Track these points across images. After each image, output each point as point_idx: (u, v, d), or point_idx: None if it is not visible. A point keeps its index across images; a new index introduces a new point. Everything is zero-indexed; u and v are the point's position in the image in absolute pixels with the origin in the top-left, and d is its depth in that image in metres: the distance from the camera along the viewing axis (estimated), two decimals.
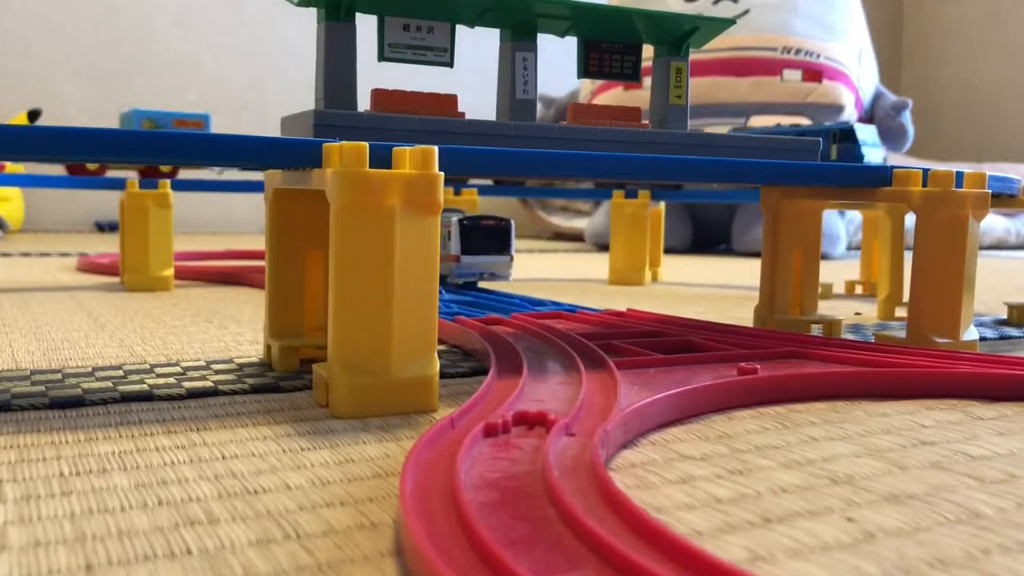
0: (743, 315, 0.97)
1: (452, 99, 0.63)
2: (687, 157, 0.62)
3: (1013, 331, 0.86)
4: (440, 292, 0.92)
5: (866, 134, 1.13)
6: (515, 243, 0.79)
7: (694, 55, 0.71)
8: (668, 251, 2.32)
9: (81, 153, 0.48)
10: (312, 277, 0.61)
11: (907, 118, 2.60)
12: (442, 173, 0.49)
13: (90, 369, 0.60)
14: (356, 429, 0.46)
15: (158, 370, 0.59)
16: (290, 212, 0.61)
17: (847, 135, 1.12)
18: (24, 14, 2.97)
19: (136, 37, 3.12)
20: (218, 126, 1.57)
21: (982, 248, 2.77)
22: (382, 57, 0.61)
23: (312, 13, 2.65)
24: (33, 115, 2.44)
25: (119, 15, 3.09)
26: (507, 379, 0.51)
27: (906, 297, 1.00)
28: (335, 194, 0.48)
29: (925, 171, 0.67)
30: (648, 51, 0.71)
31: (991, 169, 2.66)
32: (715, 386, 0.52)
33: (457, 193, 1.39)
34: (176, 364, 0.62)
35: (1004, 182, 0.76)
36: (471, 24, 0.64)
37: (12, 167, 2.14)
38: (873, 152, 1.13)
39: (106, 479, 0.38)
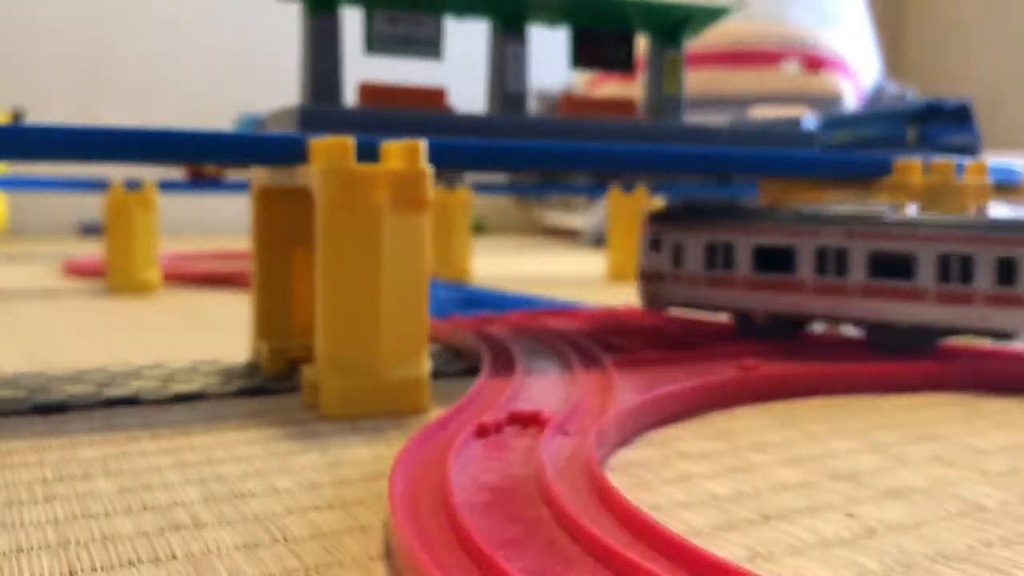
0: None
1: (440, 92, 0.62)
2: (682, 148, 0.61)
3: None
4: (433, 290, 0.91)
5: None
6: None
7: (691, 46, 0.70)
8: None
9: (66, 153, 0.47)
10: (299, 277, 0.60)
11: None
12: (431, 168, 0.49)
13: (75, 373, 0.59)
14: (345, 431, 0.45)
15: (144, 373, 0.58)
16: (276, 210, 0.60)
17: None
18: (7, 13, 2.95)
19: (122, 36, 3.11)
20: (205, 124, 1.56)
21: None
22: (369, 50, 0.60)
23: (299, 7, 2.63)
24: (16, 115, 2.41)
25: (105, 14, 3.08)
26: (500, 378, 0.50)
27: None
28: (320, 191, 0.47)
29: (926, 161, 0.66)
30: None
31: (995, 158, 2.65)
32: (714, 383, 0.51)
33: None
34: (162, 367, 0.61)
35: (1006, 172, 0.75)
36: (458, 15, 0.63)
37: None
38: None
39: (90, 484, 0.37)
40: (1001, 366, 0.55)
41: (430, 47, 0.61)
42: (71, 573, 0.28)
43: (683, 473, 0.38)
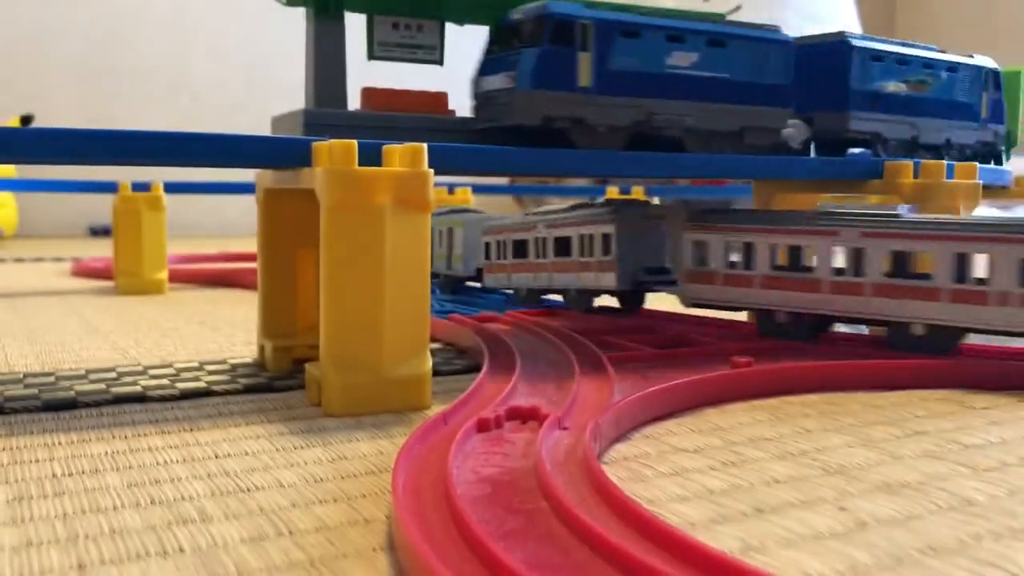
0: None
1: (443, 97, 0.63)
2: (678, 152, 0.62)
3: None
4: (433, 290, 0.92)
5: None
6: None
7: None
8: None
9: (74, 155, 0.48)
10: (304, 277, 0.61)
11: None
12: (432, 171, 0.49)
13: (83, 371, 0.59)
14: (349, 427, 0.46)
15: (151, 372, 0.59)
16: (281, 212, 0.60)
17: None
18: (13, 17, 2.96)
19: (127, 39, 3.12)
20: (211, 127, 1.56)
21: None
22: (371, 56, 0.61)
23: (304, 13, 2.63)
24: (26, 120, 2.43)
25: (109, 17, 3.08)
26: (500, 375, 0.51)
27: None
28: (324, 193, 0.48)
29: (916, 163, 0.67)
30: None
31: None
32: (708, 379, 0.52)
33: (451, 191, 1.39)
34: (169, 366, 0.61)
35: (996, 173, 0.76)
36: (459, 22, 0.64)
37: (3, 172, 2.13)
38: None
39: (99, 479, 0.37)
40: (991, 363, 0.56)
41: (431, 53, 0.62)
42: (80, 566, 0.29)
43: (678, 467, 0.39)
